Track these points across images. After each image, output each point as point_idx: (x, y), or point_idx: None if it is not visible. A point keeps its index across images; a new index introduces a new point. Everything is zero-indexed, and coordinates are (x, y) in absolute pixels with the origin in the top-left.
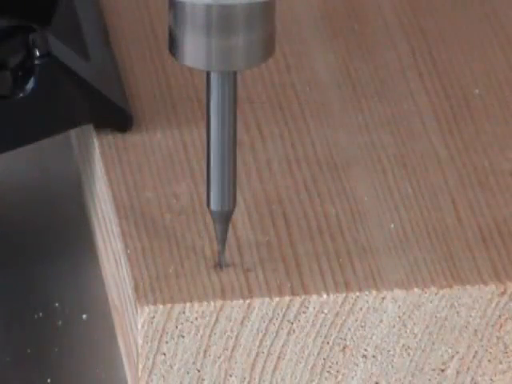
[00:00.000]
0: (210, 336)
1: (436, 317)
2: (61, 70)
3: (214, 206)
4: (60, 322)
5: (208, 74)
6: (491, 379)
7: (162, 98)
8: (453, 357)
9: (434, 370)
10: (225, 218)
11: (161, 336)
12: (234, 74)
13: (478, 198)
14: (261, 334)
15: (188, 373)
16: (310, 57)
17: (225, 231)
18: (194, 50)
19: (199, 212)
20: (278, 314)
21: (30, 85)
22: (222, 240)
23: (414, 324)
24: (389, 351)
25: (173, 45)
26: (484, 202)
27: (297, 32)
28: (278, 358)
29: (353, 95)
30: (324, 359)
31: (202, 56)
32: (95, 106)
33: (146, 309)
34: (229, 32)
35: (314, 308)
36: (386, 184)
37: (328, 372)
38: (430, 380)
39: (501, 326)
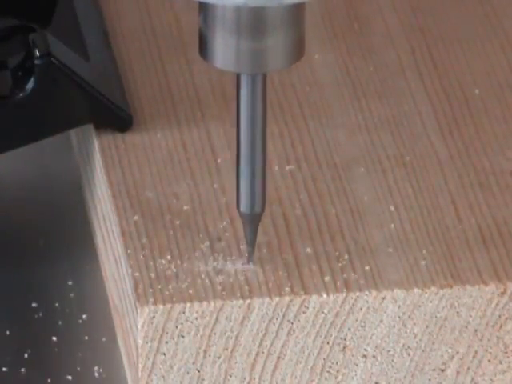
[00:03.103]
0: (209, 336)
1: (436, 317)
2: (61, 70)
3: (243, 208)
4: (60, 322)
5: (238, 76)
6: (491, 379)
7: (162, 98)
8: (453, 357)
9: (434, 369)
10: (254, 220)
11: (161, 336)
12: (264, 76)
13: (478, 198)
14: (261, 334)
15: (188, 373)
16: (310, 57)
17: (254, 233)
18: (224, 52)
19: (199, 212)
20: (278, 314)
21: (30, 85)
22: (252, 242)
23: (414, 324)
24: (389, 351)
25: (203, 47)
26: (484, 202)
27: None
28: (278, 358)
29: (353, 95)
30: (324, 359)
31: (231, 58)
32: (95, 106)
33: (146, 309)
34: (258, 34)
35: (314, 308)
36: (386, 184)
37: (328, 372)
38: (429, 380)
39: (501, 326)
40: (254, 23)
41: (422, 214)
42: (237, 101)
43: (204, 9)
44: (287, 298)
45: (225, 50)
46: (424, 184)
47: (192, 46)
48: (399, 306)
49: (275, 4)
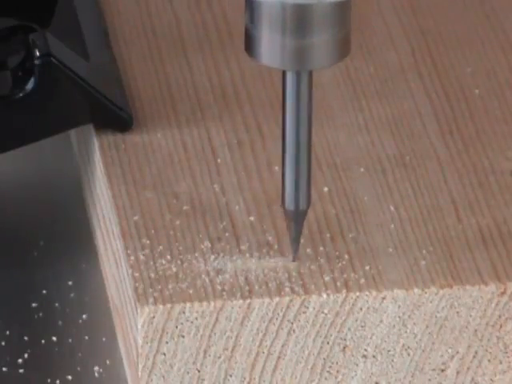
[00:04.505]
0: (209, 336)
1: (436, 317)
2: (61, 70)
3: (288, 205)
4: (60, 322)
5: (284, 73)
6: (491, 379)
7: (161, 98)
8: (453, 357)
9: (434, 369)
10: (299, 218)
11: (161, 336)
12: (310, 73)
13: (478, 198)
14: (261, 334)
15: (188, 373)
16: None
17: (299, 230)
18: (270, 50)
19: (199, 212)
20: (278, 314)
21: (30, 85)
22: (296, 239)
23: (414, 324)
24: (389, 351)
25: (249, 44)
26: (484, 202)
27: None
28: (278, 357)
29: (353, 95)
30: (324, 359)
31: (277, 55)
32: (95, 106)
33: (146, 309)
34: (304, 31)
35: (314, 308)
36: (386, 184)
37: (328, 372)
38: (430, 380)
39: (501, 326)
40: (300, 20)
41: (421, 213)
42: (282, 98)
43: (250, 6)
44: (287, 298)
45: (270, 47)
46: (424, 184)
47: (192, 45)
48: (399, 306)
49: (315, 1)
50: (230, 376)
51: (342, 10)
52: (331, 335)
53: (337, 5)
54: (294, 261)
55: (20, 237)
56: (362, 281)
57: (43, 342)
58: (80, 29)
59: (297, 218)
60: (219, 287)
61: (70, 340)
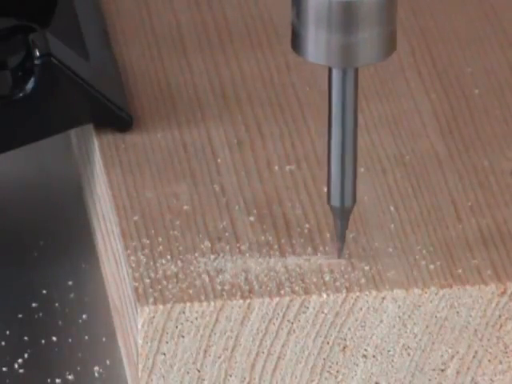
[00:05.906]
0: (209, 336)
1: (436, 317)
2: (61, 70)
3: (334, 201)
4: (60, 322)
5: (329, 70)
6: (491, 379)
7: (162, 97)
8: (453, 357)
9: (434, 369)
10: (345, 214)
11: (161, 336)
12: (356, 70)
13: (478, 198)
14: (261, 334)
15: (188, 373)
16: None
17: (344, 227)
18: (316, 46)
19: (199, 212)
20: (278, 314)
21: (30, 85)
22: (342, 236)
23: (414, 324)
24: (389, 351)
25: (295, 41)
26: (484, 202)
27: None
28: (278, 357)
29: None
30: (324, 359)
31: (323, 52)
32: (95, 106)
33: (146, 309)
34: (350, 28)
35: (314, 308)
36: (386, 184)
37: (328, 372)
38: (430, 380)
39: (501, 326)
40: (346, 17)
41: (421, 213)
42: (328, 95)
43: (296, 3)
44: (287, 298)
45: (316, 44)
46: (424, 184)
47: (192, 45)
48: (399, 306)
49: None
50: (230, 376)
51: (388, 7)
52: (331, 335)
53: (383, 1)
54: (339, 258)
55: (20, 237)
56: (362, 281)
57: (43, 342)
58: (80, 29)
59: (342, 215)
60: (219, 287)
61: (69, 340)
